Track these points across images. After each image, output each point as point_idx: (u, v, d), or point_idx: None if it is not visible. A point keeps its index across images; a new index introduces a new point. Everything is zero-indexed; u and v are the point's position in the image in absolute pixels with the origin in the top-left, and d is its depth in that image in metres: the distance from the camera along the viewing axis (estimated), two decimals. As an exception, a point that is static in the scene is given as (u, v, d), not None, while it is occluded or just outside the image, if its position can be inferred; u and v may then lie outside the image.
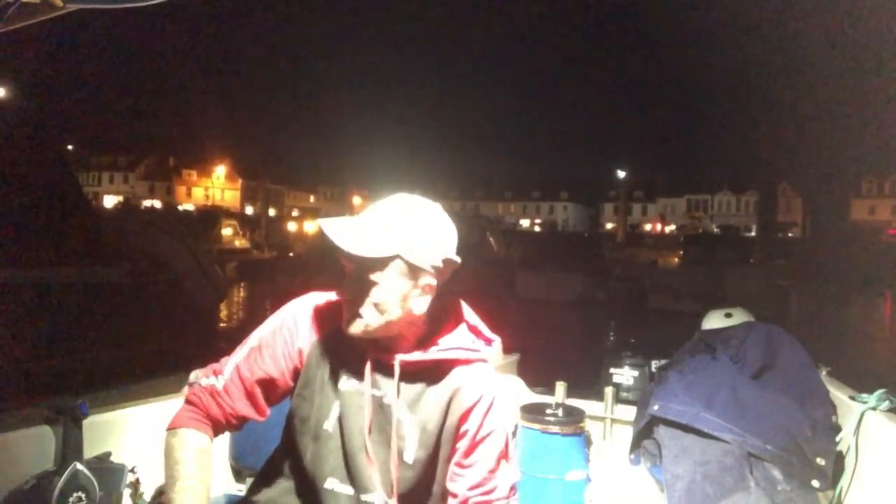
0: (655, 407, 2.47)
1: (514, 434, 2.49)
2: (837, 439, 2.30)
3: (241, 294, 20.73)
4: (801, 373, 2.52)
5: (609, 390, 3.07)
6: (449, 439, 1.38)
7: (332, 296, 1.46)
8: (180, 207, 51.39)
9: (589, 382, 3.30)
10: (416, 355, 1.38)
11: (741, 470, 2.23)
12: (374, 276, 1.31)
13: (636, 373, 3.29)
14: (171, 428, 1.37)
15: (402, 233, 1.30)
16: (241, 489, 2.39)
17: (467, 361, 1.40)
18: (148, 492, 2.13)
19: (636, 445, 2.67)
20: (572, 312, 17.57)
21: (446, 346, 1.40)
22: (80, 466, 1.91)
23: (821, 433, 2.27)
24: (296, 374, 1.42)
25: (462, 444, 1.38)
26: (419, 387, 1.39)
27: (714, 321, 3.11)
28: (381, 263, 1.30)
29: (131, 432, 2.16)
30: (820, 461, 2.21)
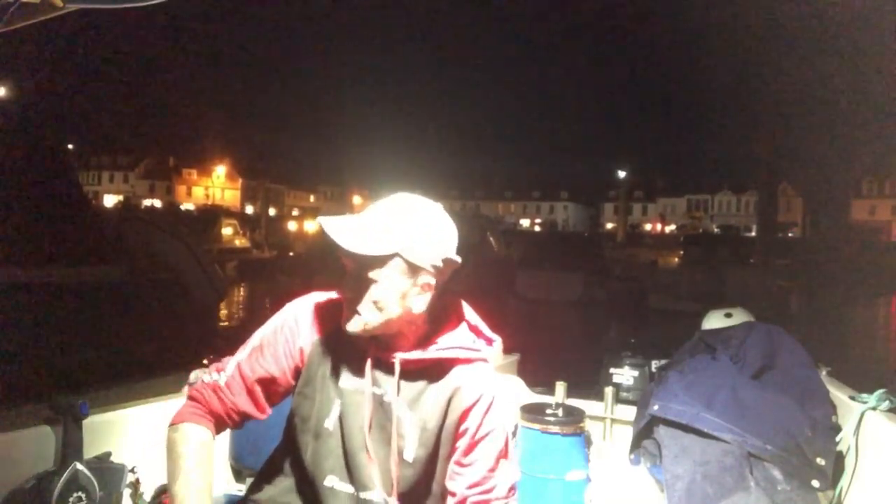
0: (655, 407, 2.47)
1: (514, 434, 2.49)
2: (837, 439, 2.30)
3: (241, 293, 20.73)
4: (801, 373, 2.52)
5: (609, 390, 3.07)
6: (449, 438, 1.38)
7: (332, 295, 1.47)
8: (182, 207, 51.33)
9: (589, 382, 3.30)
10: (417, 354, 1.38)
11: (741, 470, 2.23)
12: (373, 274, 1.31)
13: (636, 373, 3.29)
14: (173, 424, 1.38)
15: (401, 231, 1.31)
16: (241, 489, 2.39)
17: (468, 361, 1.41)
18: (148, 492, 2.13)
19: (636, 445, 2.67)
20: (572, 312, 17.56)
21: (447, 346, 1.40)
22: (80, 466, 1.91)
23: (821, 433, 2.27)
24: (297, 372, 1.43)
25: (461, 443, 1.38)
26: (419, 385, 1.39)
27: (714, 321, 3.11)
28: (380, 261, 1.30)
29: (131, 432, 2.16)
30: (820, 461, 2.21)
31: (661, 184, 75.77)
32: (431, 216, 1.35)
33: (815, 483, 2.18)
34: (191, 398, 1.41)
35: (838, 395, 2.50)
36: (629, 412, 2.90)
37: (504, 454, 1.39)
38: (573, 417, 2.49)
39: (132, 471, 2.08)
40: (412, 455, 1.38)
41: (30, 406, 2.09)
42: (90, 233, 9.82)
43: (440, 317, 1.44)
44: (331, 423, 1.39)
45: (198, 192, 68.20)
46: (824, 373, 2.72)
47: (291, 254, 29.28)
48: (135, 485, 2.09)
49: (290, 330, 1.43)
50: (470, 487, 1.37)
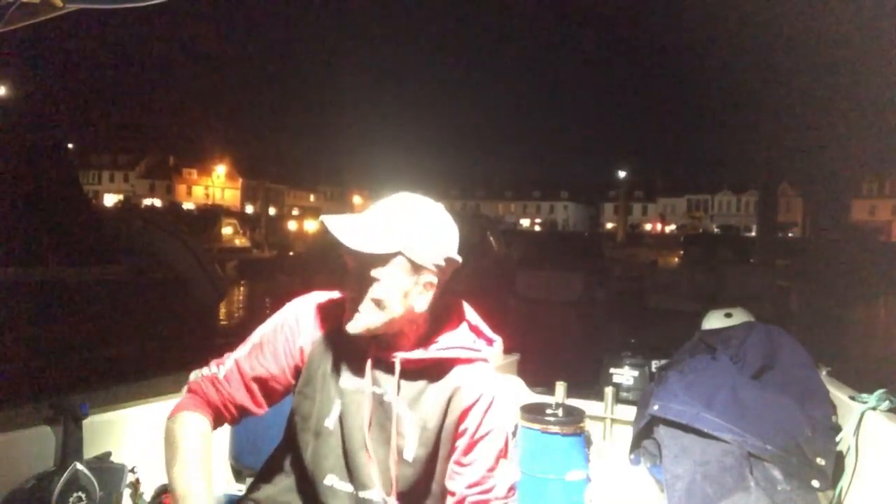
0: (655, 407, 2.47)
1: (514, 434, 2.49)
2: (837, 439, 2.30)
3: (241, 293, 20.72)
4: (801, 373, 2.52)
5: (609, 390, 3.07)
6: (448, 438, 1.38)
7: (333, 295, 1.48)
8: (183, 206, 51.33)
9: (589, 382, 3.30)
10: (417, 353, 1.38)
11: (741, 470, 2.23)
12: (375, 273, 1.31)
13: (636, 373, 3.29)
14: (172, 415, 1.38)
15: (404, 230, 1.31)
16: (241, 489, 2.39)
17: (468, 360, 1.41)
18: (148, 492, 2.13)
19: (636, 445, 2.67)
20: (572, 312, 17.54)
21: (447, 345, 1.40)
22: (80, 466, 1.91)
23: (821, 433, 2.27)
24: (296, 371, 1.43)
25: (461, 443, 1.38)
26: (420, 385, 1.39)
27: (714, 321, 3.11)
28: (382, 260, 1.31)
29: (131, 432, 2.16)
30: (820, 461, 2.21)
31: (661, 184, 75.79)
32: (434, 215, 1.36)
33: (815, 483, 2.18)
34: (189, 390, 1.42)
35: (838, 395, 2.50)
36: (629, 412, 2.90)
37: (504, 454, 1.39)
38: (573, 417, 2.49)
39: (132, 471, 2.08)
40: (412, 454, 1.38)
41: (30, 406, 2.09)
42: (90, 232, 9.81)
43: (441, 316, 1.44)
44: (331, 422, 1.39)
45: (198, 191, 68.22)
46: (824, 373, 2.72)
47: (291, 253, 29.28)
48: (135, 485, 2.09)
49: (291, 329, 1.44)
50: (469, 487, 1.37)
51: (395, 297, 1.33)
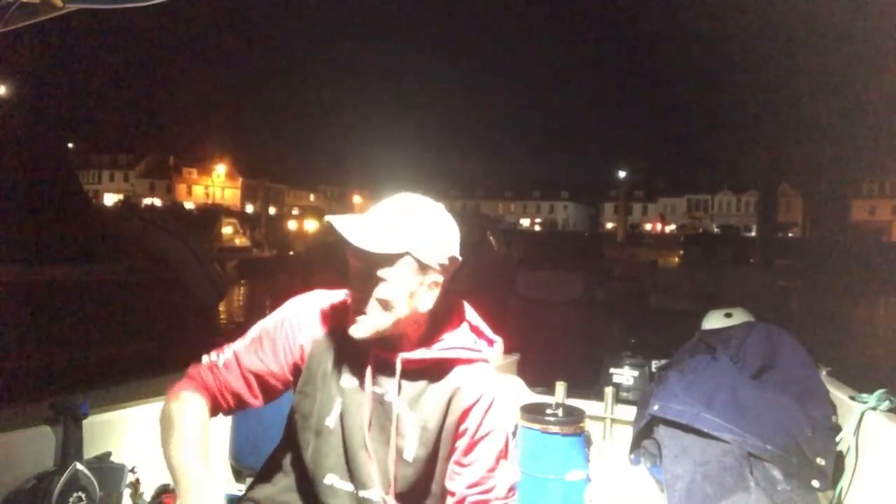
0: (655, 407, 2.47)
1: (514, 434, 2.49)
2: (837, 439, 2.30)
3: (241, 292, 20.73)
4: (801, 373, 2.52)
5: (609, 390, 3.07)
6: (448, 438, 1.38)
7: (335, 294, 1.47)
8: (186, 205, 51.27)
9: (589, 382, 3.31)
10: (418, 354, 1.38)
11: (741, 470, 2.23)
12: (382, 273, 1.31)
13: (636, 373, 3.29)
14: (170, 396, 1.38)
15: (411, 230, 1.32)
16: (241, 489, 2.39)
17: (468, 361, 1.41)
18: (148, 492, 2.13)
19: (636, 445, 2.67)
20: (572, 312, 17.56)
21: (448, 346, 1.40)
22: (80, 466, 1.91)
23: (821, 433, 2.27)
24: (295, 369, 1.43)
25: (461, 443, 1.38)
26: (420, 385, 1.39)
27: (714, 321, 3.11)
28: (390, 260, 1.31)
29: (131, 432, 2.16)
30: (820, 461, 2.21)
31: (661, 184, 75.77)
32: (438, 215, 1.36)
33: (815, 483, 2.18)
34: (188, 376, 1.42)
35: (838, 395, 2.50)
36: (629, 412, 2.90)
37: (504, 454, 1.39)
38: (573, 417, 2.49)
39: (132, 471, 2.08)
40: (412, 454, 1.38)
41: (30, 406, 2.09)
42: (90, 231, 9.83)
43: (441, 316, 1.44)
44: (332, 421, 1.39)
45: (198, 190, 68.22)
46: (824, 373, 2.72)
47: (291, 253, 29.28)
48: (135, 485, 2.09)
49: (292, 326, 1.44)
50: (469, 487, 1.37)
51: (401, 297, 1.33)
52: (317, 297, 1.48)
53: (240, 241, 28.41)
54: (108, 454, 2.04)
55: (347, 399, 1.39)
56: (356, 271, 1.34)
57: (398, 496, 1.38)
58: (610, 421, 3.04)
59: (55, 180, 9.62)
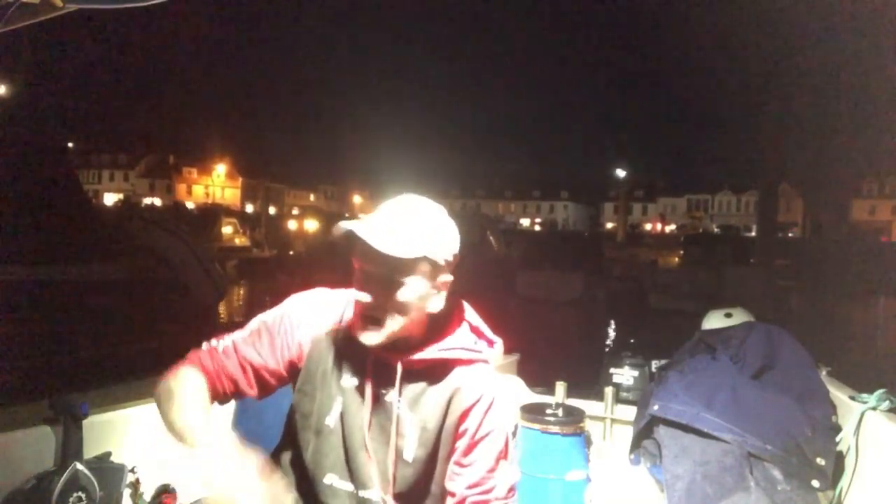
0: (655, 407, 2.47)
1: (514, 434, 2.49)
2: (837, 439, 2.30)
3: (242, 292, 20.73)
4: (801, 373, 2.52)
5: (609, 390, 3.08)
6: (448, 438, 1.38)
7: (337, 293, 1.47)
8: (189, 205, 51.23)
9: (589, 382, 3.31)
10: (419, 355, 1.38)
11: (741, 470, 2.23)
12: (401, 278, 1.31)
13: (636, 373, 3.29)
14: (168, 376, 1.38)
15: (428, 231, 1.32)
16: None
17: (469, 362, 1.41)
18: (148, 492, 2.13)
19: (636, 445, 2.67)
20: (572, 312, 17.56)
21: (448, 347, 1.40)
22: (80, 466, 1.91)
23: (821, 433, 2.28)
24: (290, 366, 1.43)
25: (461, 444, 1.38)
26: (420, 386, 1.39)
27: (714, 321, 3.11)
28: (410, 263, 1.30)
29: (131, 432, 2.16)
30: (820, 461, 2.21)
31: (661, 184, 75.81)
32: (443, 215, 1.37)
33: (815, 483, 2.18)
34: (187, 359, 1.42)
35: (838, 395, 2.50)
36: (629, 412, 2.90)
37: (504, 455, 1.39)
38: (573, 417, 2.50)
39: (132, 471, 2.08)
40: (412, 455, 1.38)
41: (30, 406, 2.09)
42: (90, 231, 9.81)
43: (442, 317, 1.43)
44: (332, 420, 1.39)
45: (198, 190, 68.22)
46: (824, 373, 2.72)
47: (291, 253, 29.28)
48: (135, 485, 2.09)
49: (291, 323, 1.43)
50: (469, 488, 1.36)
51: (415, 301, 1.33)
52: (318, 296, 1.48)
53: (240, 240, 28.39)
54: (108, 454, 2.04)
55: (347, 399, 1.39)
56: (371, 277, 1.32)
57: (397, 496, 1.38)
58: (610, 421, 3.05)
59: (55, 180, 9.61)
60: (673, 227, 67.35)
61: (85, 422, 1.95)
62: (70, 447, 1.91)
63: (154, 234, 11.45)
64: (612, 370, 3.34)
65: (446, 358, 1.40)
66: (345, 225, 1.28)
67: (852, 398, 2.41)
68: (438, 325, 1.42)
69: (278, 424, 1.50)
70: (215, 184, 67.49)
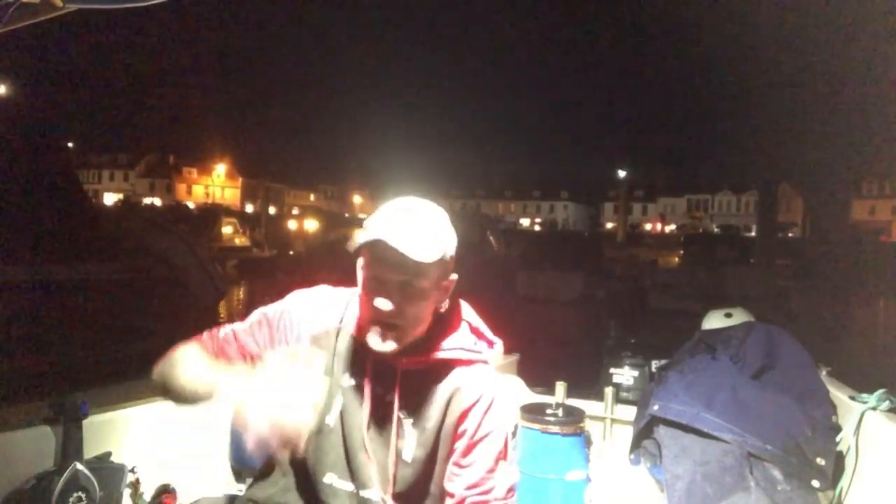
0: (655, 407, 2.47)
1: (514, 434, 2.49)
2: (837, 439, 2.30)
3: (241, 292, 20.73)
4: (801, 373, 2.52)
5: (609, 390, 3.07)
6: (447, 439, 1.38)
7: (339, 291, 1.47)
8: (190, 205, 51.25)
9: (589, 382, 3.31)
10: (419, 355, 1.38)
11: (741, 470, 2.23)
12: (421, 282, 1.30)
13: (636, 373, 3.29)
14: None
15: (441, 233, 1.32)
16: (241, 489, 2.39)
17: (468, 362, 1.41)
18: (148, 492, 2.13)
19: (636, 445, 2.67)
20: (572, 312, 17.56)
21: (448, 347, 1.40)
22: (80, 466, 1.91)
23: (821, 433, 2.28)
24: None
25: (460, 444, 1.38)
26: (420, 386, 1.39)
27: (714, 321, 3.11)
28: (427, 267, 1.29)
29: (131, 432, 2.16)
30: (820, 461, 2.21)
31: (661, 184, 75.75)
32: (445, 214, 1.37)
33: (815, 483, 2.18)
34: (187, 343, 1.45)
35: (838, 395, 2.50)
36: (629, 412, 2.90)
37: (503, 455, 1.39)
38: (573, 417, 2.49)
39: (132, 471, 2.08)
40: (411, 455, 1.38)
41: (30, 406, 2.09)
42: (90, 231, 9.82)
43: (442, 317, 1.44)
44: (332, 418, 1.39)
45: (198, 190, 68.20)
46: (824, 373, 2.72)
47: (291, 252, 29.29)
48: (135, 485, 2.09)
49: (291, 320, 1.44)
50: (468, 488, 1.36)
51: (430, 304, 1.34)
52: (320, 293, 1.48)
53: (240, 240, 28.44)
54: (108, 454, 2.04)
55: (347, 398, 1.39)
56: (392, 284, 1.30)
57: (397, 497, 1.38)
58: (610, 421, 3.04)
59: (55, 180, 9.62)
60: (673, 227, 67.32)
61: (85, 422, 1.95)
62: (70, 447, 1.91)
63: (154, 234, 11.47)
64: (612, 370, 3.34)
65: (446, 358, 1.39)
66: (371, 235, 1.26)
67: (852, 398, 2.41)
68: (438, 326, 1.42)
69: (278, 424, 1.50)
70: (215, 184, 67.49)
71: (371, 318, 1.33)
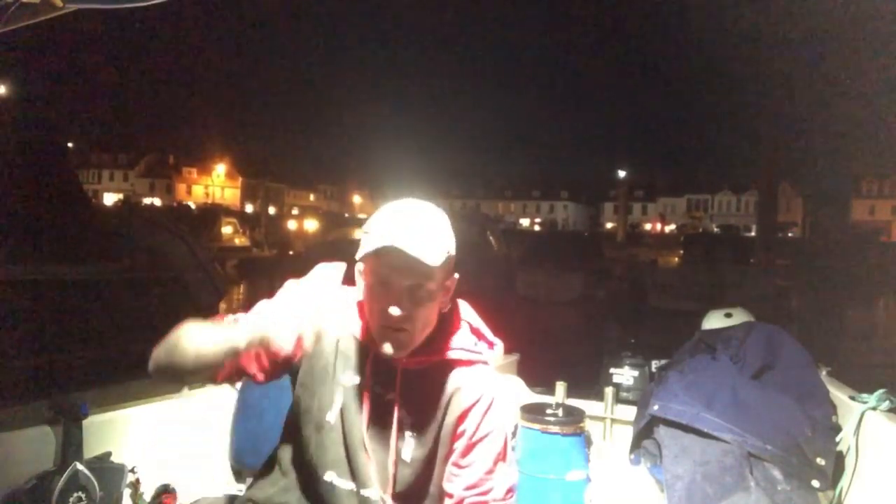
0: (655, 407, 2.47)
1: (514, 434, 2.49)
2: (837, 439, 2.30)
3: (241, 292, 20.73)
4: (801, 373, 2.52)
5: (609, 390, 3.07)
6: (447, 439, 1.38)
7: (342, 289, 1.47)
8: (190, 205, 51.25)
9: (589, 382, 3.31)
10: (419, 355, 1.38)
11: (741, 470, 2.23)
12: (429, 284, 1.30)
13: (636, 373, 3.29)
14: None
15: (445, 235, 1.32)
16: (240, 489, 2.39)
17: (468, 363, 1.41)
18: (148, 492, 2.13)
19: (636, 445, 2.67)
20: (572, 312, 17.56)
21: (448, 347, 1.40)
22: (80, 466, 1.91)
23: (821, 433, 2.27)
24: (286, 359, 1.42)
25: (459, 444, 1.38)
26: (420, 386, 1.39)
27: (714, 321, 3.11)
28: (439, 270, 1.30)
29: (131, 432, 2.16)
30: (820, 461, 2.21)
31: (661, 183, 75.76)
32: (444, 214, 1.37)
33: (815, 483, 2.18)
34: None
35: (838, 395, 2.50)
36: (629, 412, 2.90)
37: (502, 456, 1.39)
38: (573, 417, 2.49)
39: (132, 471, 2.08)
40: (410, 455, 1.38)
41: (30, 406, 2.09)
42: (90, 231, 9.81)
43: (442, 318, 1.43)
44: (332, 416, 1.39)
45: (198, 190, 68.21)
46: (824, 373, 2.72)
47: (291, 252, 29.27)
48: (135, 485, 2.09)
49: (292, 316, 1.43)
50: (467, 489, 1.36)
51: (436, 306, 1.34)
52: (322, 291, 1.48)
53: (240, 240, 28.41)
54: (108, 454, 2.04)
55: (347, 397, 1.39)
56: (402, 288, 1.30)
57: (396, 496, 1.38)
58: (610, 421, 3.04)
59: (55, 180, 9.61)
60: (673, 227, 67.27)
61: (85, 422, 1.95)
62: (70, 447, 1.91)
63: (154, 234, 11.46)
64: (612, 370, 3.34)
65: (447, 358, 1.40)
66: (382, 241, 1.26)
67: (852, 398, 2.41)
68: (439, 326, 1.42)
69: (278, 425, 1.50)
70: (215, 184, 67.49)
71: (380, 324, 1.32)
